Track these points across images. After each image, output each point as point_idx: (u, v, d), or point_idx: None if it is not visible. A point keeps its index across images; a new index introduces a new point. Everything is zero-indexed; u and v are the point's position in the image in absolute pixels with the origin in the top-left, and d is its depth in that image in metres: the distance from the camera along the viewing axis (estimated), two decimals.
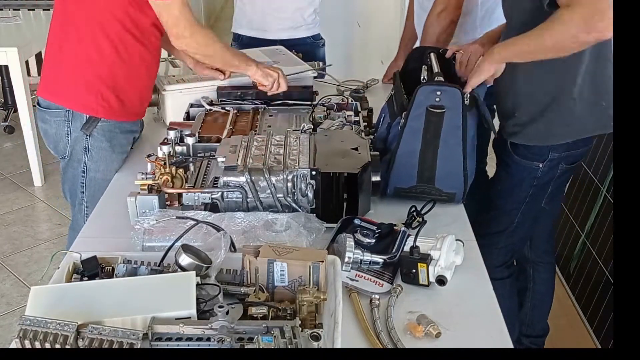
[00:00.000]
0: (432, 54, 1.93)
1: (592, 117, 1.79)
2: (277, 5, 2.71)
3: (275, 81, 2.09)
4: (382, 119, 1.89)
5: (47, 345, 1.04)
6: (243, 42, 2.78)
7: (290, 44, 2.64)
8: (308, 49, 2.74)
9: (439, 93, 1.65)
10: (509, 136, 1.88)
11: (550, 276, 2.29)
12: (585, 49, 1.64)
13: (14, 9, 4.35)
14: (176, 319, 1.10)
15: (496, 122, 1.96)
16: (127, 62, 1.87)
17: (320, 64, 2.61)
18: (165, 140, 1.75)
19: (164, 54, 2.11)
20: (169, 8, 1.80)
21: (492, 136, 1.98)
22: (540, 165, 1.85)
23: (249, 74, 2.08)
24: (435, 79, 1.74)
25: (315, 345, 1.07)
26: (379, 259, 1.44)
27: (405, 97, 1.76)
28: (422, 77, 1.83)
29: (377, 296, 1.36)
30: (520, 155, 1.87)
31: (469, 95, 1.69)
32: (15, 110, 3.97)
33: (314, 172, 1.55)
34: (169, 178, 1.61)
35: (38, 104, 1.97)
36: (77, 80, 1.88)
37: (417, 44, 2.42)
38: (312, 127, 1.84)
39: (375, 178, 1.66)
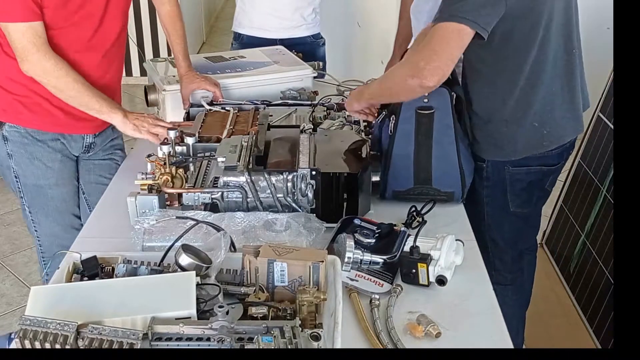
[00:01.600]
0: None
1: (523, 139, 1.76)
2: (277, 4, 2.72)
3: (152, 127, 1.82)
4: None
5: (47, 345, 1.04)
6: (243, 42, 2.79)
7: (291, 44, 2.64)
8: (308, 48, 2.74)
9: (426, 94, 1.65)
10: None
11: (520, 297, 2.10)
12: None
13: None
14: (176, 319, 1.10)
15: None
16: (16, 67, 1.76)
17: (320, 64, 2.61)
18: (165, 140, 1.74)
19: (163, 54, 2.10)
20: (9, 28, 1.69)
21: None
22: (484, 165, 1.82)
23: (116, 124, 1.83)
24: None
25: (315, 345, 1.07)
26: (379, 259, 1.44)
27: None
28: None
29: (377, 296, 1.36)
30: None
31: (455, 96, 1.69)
32: None
33: (314, 172, 1.55)
34: (169, 178, 1.62)
35: None
36: None
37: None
38: (312, 127, 1.84)
39: (375, 178, 1.66)
